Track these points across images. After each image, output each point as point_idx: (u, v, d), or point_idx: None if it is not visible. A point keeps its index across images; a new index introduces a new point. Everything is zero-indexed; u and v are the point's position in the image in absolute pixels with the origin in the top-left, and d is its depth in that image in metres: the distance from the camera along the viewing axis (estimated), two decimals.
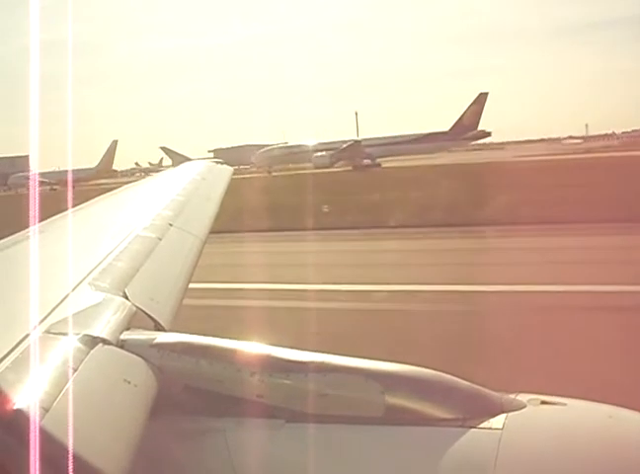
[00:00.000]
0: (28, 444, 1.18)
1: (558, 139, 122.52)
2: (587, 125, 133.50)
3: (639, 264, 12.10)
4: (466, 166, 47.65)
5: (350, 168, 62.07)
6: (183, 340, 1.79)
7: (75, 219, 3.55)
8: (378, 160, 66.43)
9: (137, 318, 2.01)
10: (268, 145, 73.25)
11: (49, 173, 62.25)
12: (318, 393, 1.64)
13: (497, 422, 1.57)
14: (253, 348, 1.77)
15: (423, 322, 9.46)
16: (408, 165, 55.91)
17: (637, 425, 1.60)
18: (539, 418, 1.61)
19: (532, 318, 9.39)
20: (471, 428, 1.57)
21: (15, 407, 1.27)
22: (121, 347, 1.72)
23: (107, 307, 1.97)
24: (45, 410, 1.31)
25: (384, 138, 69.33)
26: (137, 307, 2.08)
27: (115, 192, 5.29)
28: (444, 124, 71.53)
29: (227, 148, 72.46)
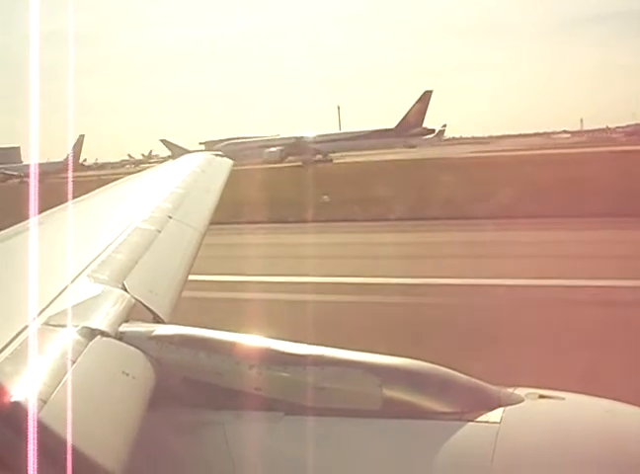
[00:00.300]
0: (26, 436, 1.18)
1: (548, 133, 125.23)
2: (581, 120, 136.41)
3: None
4: (402, 162, 49.19)
5: (299, 164, 62.05)
6: (181, 332, 1.78)
7: (74, 211, 3.54)
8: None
9: (136, 310, 2.01)
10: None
11: (21, 166, 63.18)
12: (316, 386, 1.64)
13: (494, 415, 1.58)
14: (251, 340, 1.78)
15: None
16: (358, 160, 58.01)
17: (635, 419, 1.60)
18: (537, 412, 1.61)
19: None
20: (469, 421, 1.57)
21: (13, 399, 1.27)
22: (120, 339, 1.72)
23: (105, 299, 1.97)
24: (44, 402, 1.31)
25: (334, 135, 70.93)
26: (136, 299, 2.08)
27: (113, 184, 5.27)
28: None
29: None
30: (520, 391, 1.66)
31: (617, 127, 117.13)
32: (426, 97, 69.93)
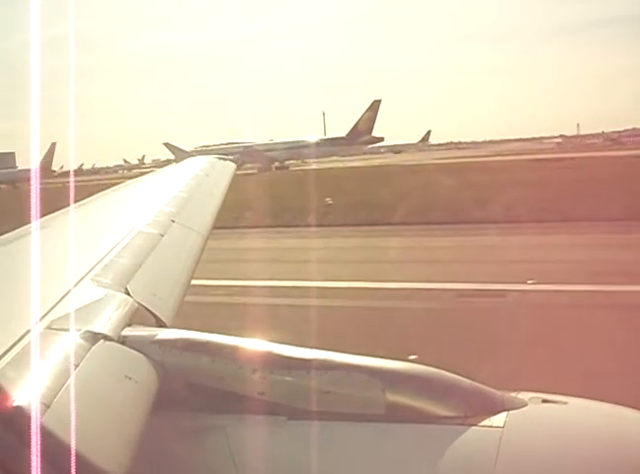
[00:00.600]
0: (29, 441, 1.18)
1: (539, 138, 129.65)
2: (578, 125, 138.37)
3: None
4: (350, 170, 52.25)
5: (255, 171, 63.12)
6: (184, 336, 1.78)
7: (78, 215, 3.54)
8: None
9: (139, 314, 2.01)
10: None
11: (6, 173, 64.37)
12: (320, 390, 1.63)
13: (498, 420, 1.57)
14: (254, 344, 1.77)
15: None
16: (312, 168, 59.28)
17: (637, 423, 1.59)
18: (540, 416, 1.61)
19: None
20: (472, 425, 1.57)
21: (16, 403, 1.27)
22: (123, 343, 1.72)
23: (108, 303, 1.97)
24: (46, 406, 1.31)
25: (287, 143, 72.44)
26: (139, 303, 2.07)
27: (116, 187, 5.27)
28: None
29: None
30: (524, 395, 1.66)
31: (613, 132, 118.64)
32: (375, 106, 72.53)
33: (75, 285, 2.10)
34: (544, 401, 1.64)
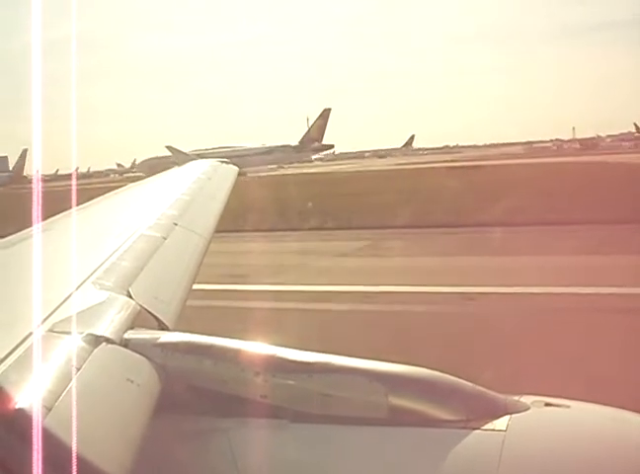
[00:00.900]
0: (30, 444, 1.18)
1: (532, 142, 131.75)
2: (573, 128, 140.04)
3: None
4: (299, 176, 52.10)
5: None
6: (187, 339, 1.78)
7: (80, 218, 3.55)
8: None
9: (141, 317, 2.01)
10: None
11: None
12: (322, 394, 1.63)
13: (500, 423, 1.57)
14: (257, 347, 1.77)
15: None
16: (271, 175, 60.28)
17: None
18: (543, 420, 1.60)
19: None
20: (474, 429, 1.56)
21: (17, 406, 1.27)
22: (125, 346, 1.72)
23: (111, 306, 1.97)
24: (48, 409, 1.31)
25: (239, 150, 73.02)
26: (141, 306, 2.07)
27: (118, 190, 5.28)
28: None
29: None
30: (526, 399, 1.65)
31: (608, 136, 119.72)
32: (325, 114, 74.46)
33: (77, 288, 2.10)
34: (547, 404, 1.63)
